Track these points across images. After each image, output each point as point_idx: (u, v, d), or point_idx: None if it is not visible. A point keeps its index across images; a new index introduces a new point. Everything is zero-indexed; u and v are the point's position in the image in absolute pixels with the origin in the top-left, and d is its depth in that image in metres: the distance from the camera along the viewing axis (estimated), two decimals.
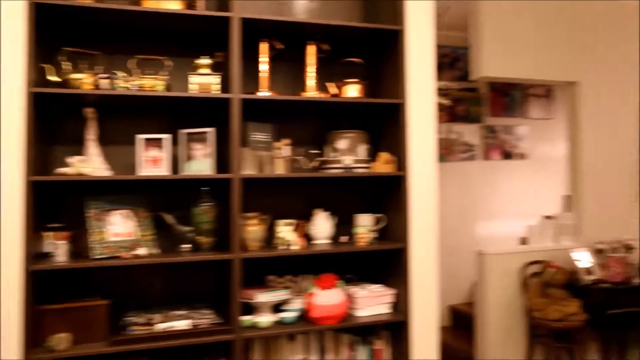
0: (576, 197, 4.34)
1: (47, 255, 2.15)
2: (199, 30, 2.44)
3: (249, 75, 2.59)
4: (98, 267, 2.37)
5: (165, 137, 2.32)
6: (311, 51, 2.57)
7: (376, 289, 2.56)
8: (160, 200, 2.47)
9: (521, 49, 4.13)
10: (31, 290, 1.99)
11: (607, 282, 3.93)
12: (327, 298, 2.38)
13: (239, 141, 2.24)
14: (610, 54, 4.40)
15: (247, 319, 2.32)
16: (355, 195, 2.82)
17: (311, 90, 2.55)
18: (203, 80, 2.29)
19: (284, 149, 2.49)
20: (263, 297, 2.34)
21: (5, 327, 1.95)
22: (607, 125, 4.37)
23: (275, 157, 2.48)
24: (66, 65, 2.22)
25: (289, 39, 2.58)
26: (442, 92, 5.19)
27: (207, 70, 2.32)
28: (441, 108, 5.21)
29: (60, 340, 2.01)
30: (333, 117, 2.77)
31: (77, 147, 2.32)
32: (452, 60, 5.36)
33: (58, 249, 2.10)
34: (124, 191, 2.39)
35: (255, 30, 2.42)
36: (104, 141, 2.39)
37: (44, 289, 2.18)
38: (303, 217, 2.65)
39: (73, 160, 2.15)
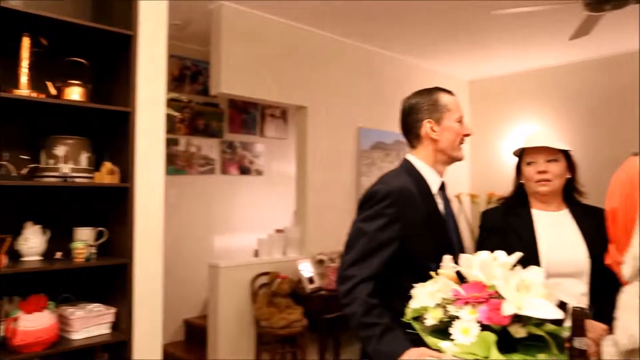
0: (302, 212, 4.73)
1: None
2: None
3: None
4: None
5: None
6: (25, 44, 2.28)
7: (95, 308, 2.36)
8: None
9: (259, 70, 4.36)
10: None
11: (325, 290, 4.36)
12: (32, 322, 2.10)
13: None
14: (334, 84, 4.95)
15: None
16: (76, 207, 2.57)
17: (24, 88, 2.25)
18: None
19: None
20: None
21: None
22: (330, 146, 4.88)
23: None
24: None
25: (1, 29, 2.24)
26: (182, 104, 5.15)
27: None
28: (179, 120, 5.17)
29: None
30: (51, 121, 2.49)
31: None
32: (194, 74, 5.37)
33: None
34: None
35: None
36: None
37: None
38: (10, 231, 2.31)
39: None
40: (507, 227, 1.95)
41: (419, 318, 1.29)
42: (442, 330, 1.22)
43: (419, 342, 1.32)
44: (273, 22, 4.48)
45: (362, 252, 1.67)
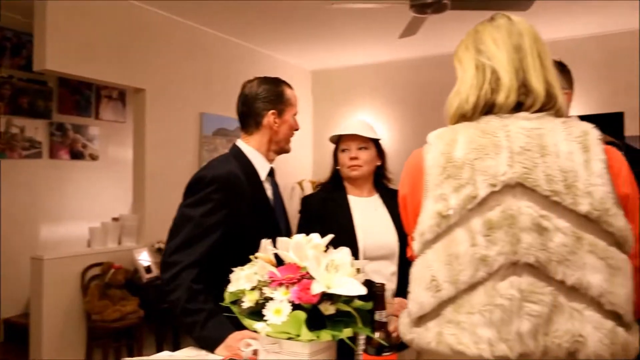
0: (140, 199, 4.52)
1: None
2: None
3: None
4: None
5: None
6: None
7: None
8: None
9: (93, 48, 4.06)
10: None
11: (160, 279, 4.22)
12: None
13: None
14: (175, 68, 4.78)
15: None
16: None
17: None
18: None
19: None
20: None
21: None
22: (170, 131, 4.72)
23: None
24: None
25: None
26: (2, 79, 4.62)
27: None
28: None
29: None
30: None
31: None
32: (15, 46, 4.84)
33: None
34: None
35: None
36: None
37: None
38: None
39: None
40: (326, 212, 2.05)
41: (237, 301, 1.31)
42: (259, 312, 1.24)
43: (243, 326, 1.34)
44: None
45: (187, 238, 1.65)
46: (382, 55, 6.03)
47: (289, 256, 1.26)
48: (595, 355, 1.00)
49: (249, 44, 5.67)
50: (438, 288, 1.07)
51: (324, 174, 2.24)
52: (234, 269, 1.34)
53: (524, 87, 1.14)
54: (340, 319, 1.26)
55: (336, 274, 1.21)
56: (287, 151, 1.94)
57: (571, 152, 1.07)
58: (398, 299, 1.83)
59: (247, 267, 1.31)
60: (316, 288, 1.16)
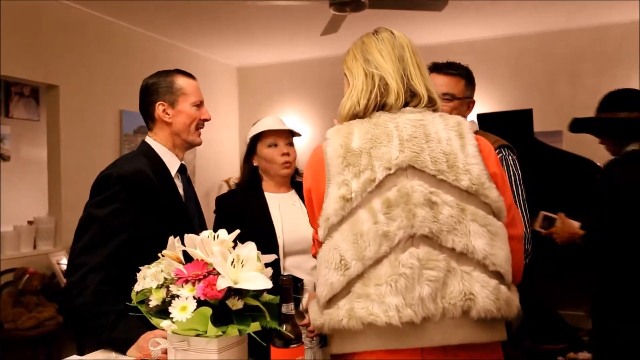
0: (56, 200, 4.33)
1: None
2: None
3: None
4: None
5: None
6: None
7: None
8: None
9: (17, 44, 3.84)
10: None
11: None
12: None
13: None
14: (91, 64, 4.61)
15: None
16: None
17: None
18: None
19: None
20: None
21: None
22: (87, 129, 4.54)
23: None
24: None
25: None
26: None
27: None
28: None
29: None
30: None
31: None
32: None
33: None
34: None
35: None
36: None
37: None
38: None
39: None
40: (243, 210, 2.05)
41: (145, 301, 1.29)
42: (167, 310, 1.23)
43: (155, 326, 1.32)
44: None
45: (92, 239, 1.60)
46: (307, 52, 6.07)
47: (195, 253, 1.26)
48: (484, 310, 1.15)
49: (172, 41, 5.54)
50: (347, 266, 1.17)
51: None
52: (141, 267, 1.32)
53: (410, 91, 1.31)
54: (249, 314, 1.27)
55: (242, 269, 1.22)
56: (194, 143, 1.85)
57: (450, 139, 1.25)
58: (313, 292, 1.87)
59: (153, 265, 1.30)
60: (222, 283, 1.17)
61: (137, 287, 1.28)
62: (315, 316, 1.23)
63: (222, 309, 1.22)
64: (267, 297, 1.33)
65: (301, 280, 1.85)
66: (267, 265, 1.33)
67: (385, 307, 1.13)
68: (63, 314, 3.88)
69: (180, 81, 1.82)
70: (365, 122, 1.29)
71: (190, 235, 1.30)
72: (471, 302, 1.15)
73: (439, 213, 1.17)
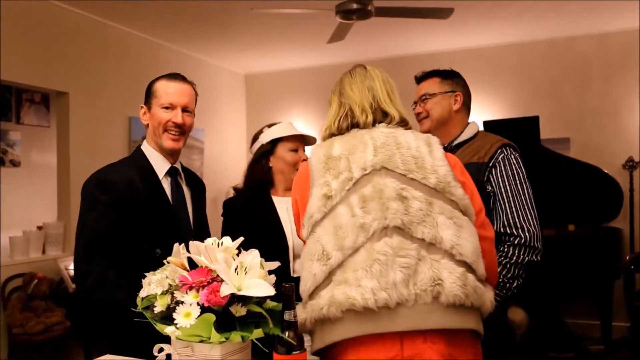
0: (65, 206, 4.38)
1: None
2: None
3: None
4: None
5: None
6: None
7: None
8: None
9: (11, 50, 3.88)
10: None
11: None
12: None
13: None
14: (100, 70, 4.66)
15: None
16: None
17: None
18: None
19: None
20: None
21: None
22: (96, 135, 4.59)
23: None
24: None
25: None
26: None
27: None
28: None
29: None
30: None
31: None
32: None
33: None
34: None
35: None
36: None
37: None
38: None
39: None
40: (251, 214, 2.07)
41: (150, 307, 1.31)
42: (171, 316, 1.25)
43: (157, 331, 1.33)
44: None
45: (87, 245, 1.64)
46: (314, 59, 6.10)
47: (200, 259, 1.28)
48: (452, 295, 1.24)
49: (180, 48, 5.59)
50: (328, 257, 1.29)
51: None
52: (145, 273, 1.34)
53: (381, 112, 1.51)
54: (252, 320, 1.28)
55: (246, 276, 1.24)
56: (164, 148, 1.82)
57: (419, 146, 1.42)
58: None
59: (158, 271, 1.32)
60: (225, 290, 1.18)
61: (142, 293, 1.30)
62: (299, 312, 1.32)
63: (225, 316, 1.23)
64: (270, 304, 1.34)
65: None
66: (275, 269, 1.36)
67: (362, 290, 1.23)
68: (71, 319, 3.92)
69: (158, 84, 1.85)
70: (345, 136, 1.50)
71: (194, 242, 1.32)
72: (440, 287, 1.24)
73: (409, 207, 1.31)
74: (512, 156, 1.91)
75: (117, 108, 4.80)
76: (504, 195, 1.85)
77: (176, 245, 1.36)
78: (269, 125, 2.22)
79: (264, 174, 2.15)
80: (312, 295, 1.31)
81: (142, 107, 1.87)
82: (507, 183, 1.87)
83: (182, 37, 5.23)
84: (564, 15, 4.65)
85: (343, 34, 4.03)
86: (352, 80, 1.58)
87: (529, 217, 1.84)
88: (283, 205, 2.10)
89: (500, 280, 1.78)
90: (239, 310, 1.23)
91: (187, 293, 1.23)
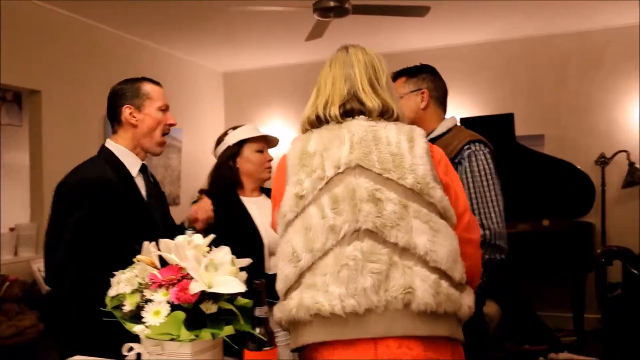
0: (38, 206, 4.30)
1: None
2: None
3: None
4: None
5: None
6: None
7: None
8: None
9: None
10: None
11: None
12: None
13: None
14: (75, 69, 4.58)
15: None
16: None
17: None
18: None
19: None
20: None
21: None
22: (70, 135, 4.51)
23: None
24: None
25: None
26: None
27: None
28: None
29: None
30: None
31: None
32: None
33: None
34: None
35: None
36: None
37: None
38: None
39: None
40: (223, 214, 2.07)
41: (119, 306, 1.29)
42: (141, 315, 1.24)
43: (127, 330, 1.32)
44: None
45: (71, 246, 1.62)
46: (293, 57, 6.08)
47: (170, 257, 1.26)
48: (424, 304, 1.21)
49: (157, 46, 5.52)
50: (298, 258, 1.27)
51: None
52: (114, 272, 1.32)
53: (358, 101, 1.41)
54: (224, 317, 1.27)
55: (216, 273, 1.23)
56: (153, 152, 1.88)
57: (399, 142, 1.34)
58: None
59: (127, 270, 1.30)
60: (194, 287, 1.17)
61: (112, 292, 1.28)
62: (276, 311, 1.33)
63: (195, 313, 1.22)
64: (242, 301, 1.33)
65: None
66: (249, 266, 1.36)
67: (329, 296, 1.21)
68: (44, 322, 3.84)
69: (146, 87, 1.88)
70: (322, 129, 1.42)
71: (165, 240, 1.31)
72: (411, 295, 1.20)
73: (383, 209, 1.25)
74: (481, 152, 1.88)
75: (92, 107, 4.72)
76: (467, 192, 1.81)
77: (146, 243, 1.34)
78: (233, 128, 2.28)
79: (232, 175, 2.19)
80: (285, 296, 1.30)
81: (127, 106, 1.83)
82: (470, 180, 1.85)
83: (159, 34, 5.16)
84: (543, 13, 4.71)
85: (321, 32, 4.02)
86: (330, 69, 1.49)
87: (492, 215, 1.81)
88: (252, 205, 2.14)
89: None
90: (210, 308, 1.23)
91: (156, 291, 1.21)
